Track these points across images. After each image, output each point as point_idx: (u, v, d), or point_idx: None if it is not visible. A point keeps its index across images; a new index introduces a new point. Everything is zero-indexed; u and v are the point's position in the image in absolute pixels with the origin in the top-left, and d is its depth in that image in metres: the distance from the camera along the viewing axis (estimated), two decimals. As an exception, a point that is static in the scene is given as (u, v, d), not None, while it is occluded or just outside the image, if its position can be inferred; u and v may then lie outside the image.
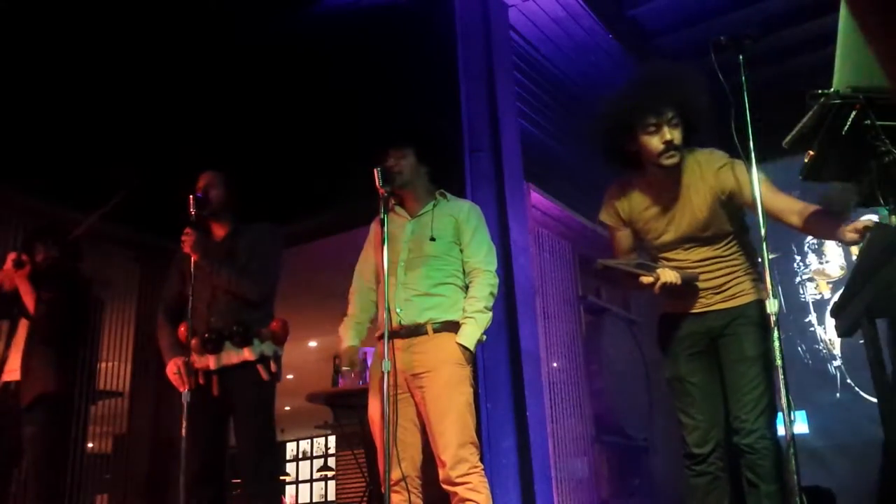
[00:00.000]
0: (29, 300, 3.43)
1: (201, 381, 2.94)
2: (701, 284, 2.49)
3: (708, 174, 2.46)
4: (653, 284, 2.36)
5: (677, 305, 2.55)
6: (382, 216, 2.60)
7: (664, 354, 2.61)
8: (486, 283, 2.67)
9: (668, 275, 2.36)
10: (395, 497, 2.52)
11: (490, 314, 2.66)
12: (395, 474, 2.51)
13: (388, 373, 2.46)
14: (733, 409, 2.44)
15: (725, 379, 2.48)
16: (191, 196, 3.02)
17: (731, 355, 2.46)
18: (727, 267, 2.50)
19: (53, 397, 3.37)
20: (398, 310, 2.61)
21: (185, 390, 2.89)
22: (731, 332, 2.46)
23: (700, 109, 2.41)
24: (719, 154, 2.48)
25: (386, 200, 2.64)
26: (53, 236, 3.64)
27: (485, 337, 2.67)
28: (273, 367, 2.93)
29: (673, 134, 2.38)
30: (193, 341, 2.93)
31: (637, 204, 2.56)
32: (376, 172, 2.60)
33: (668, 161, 2.40)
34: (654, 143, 2.39)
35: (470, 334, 2.59)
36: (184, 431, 2.82)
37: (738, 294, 2.49)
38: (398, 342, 2.59)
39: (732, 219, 2.49)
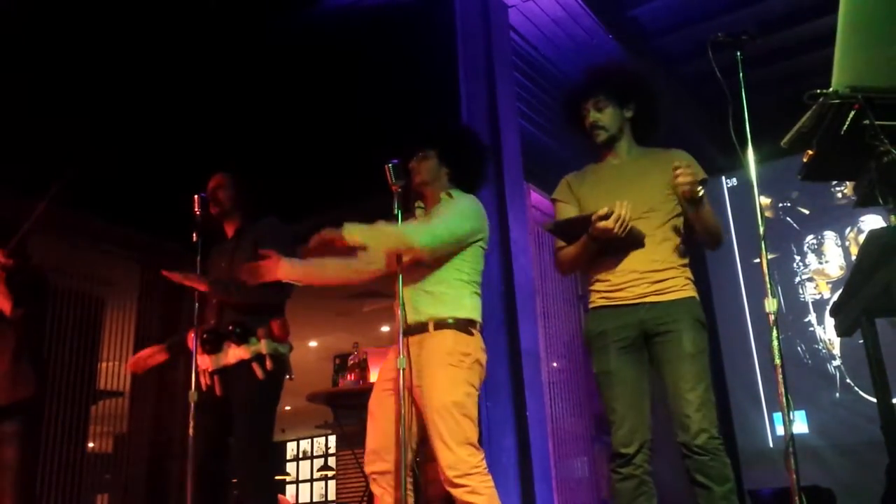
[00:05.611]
0: (5, 305, 3.22)
1: (208, 381, 2.97)
2: (633, 266, 2.44)
3: (663, 164, 2.48)
4: (605, 217, 2.31)
5: (610, 297, 2.49)
6: (396, 212, 2.58)
7: (593, 348, 2.54)
8: (408, 230, 2.54)
9: (622, 208, 2.31)
10: (374, 489, 2.49)
11: (377, 240, 2.51)
12: (378, 467, 2.48)
13: (403, 370, 2.41)
14: (678, 408, 2.34)
15: (665, 377, 2.40)
16: (196, 196, 3.03)
17: (669, 353, 2.38)
18: (662, 256, 2.45)
19: (33, 400, 3.26)
20: (406, 308, 2.58)
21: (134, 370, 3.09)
22: (667, 328, 2.39)
23: (631, 93, 2.56)
24: (680, 153, 2.55)
25: (400, 197, 2.60)
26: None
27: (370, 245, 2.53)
28: (269, 364, 2.91)
29: (596, 116, 2.57)
30: (197, 344, 2.97)
31: (587, 181, 2.63)
32: (387, 169, 2.59)
33: (597, 139, 2.59)
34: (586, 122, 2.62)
35: (353, 229, 2.47)
36: (191, 431, 2.85)
37: (672, 289, 2.43)
38: (409, 339, 2.55)
39: (676, 214, 2.50)
